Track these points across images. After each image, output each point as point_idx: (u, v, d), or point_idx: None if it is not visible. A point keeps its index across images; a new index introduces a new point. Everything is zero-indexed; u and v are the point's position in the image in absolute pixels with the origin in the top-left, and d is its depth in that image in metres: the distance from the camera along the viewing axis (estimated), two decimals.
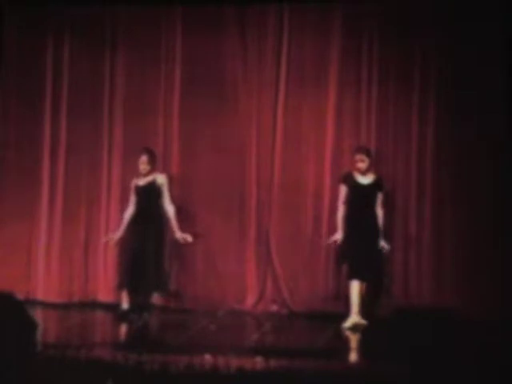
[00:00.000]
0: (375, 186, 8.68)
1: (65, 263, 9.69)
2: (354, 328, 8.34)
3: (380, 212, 8.66)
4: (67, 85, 9.77)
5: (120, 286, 8.98)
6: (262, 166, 9.53)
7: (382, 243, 8.58)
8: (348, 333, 8.30)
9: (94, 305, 9.49)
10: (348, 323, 8.41)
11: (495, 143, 9.02)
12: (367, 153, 8.70)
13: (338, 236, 8.66)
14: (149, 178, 9.00)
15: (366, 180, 8.67)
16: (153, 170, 9.04)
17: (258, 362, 6.40)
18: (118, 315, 8.83)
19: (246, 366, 6.21)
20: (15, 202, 9.69)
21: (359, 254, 8.49)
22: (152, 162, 9.03)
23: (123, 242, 9.14)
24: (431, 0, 9.27)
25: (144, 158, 8.98)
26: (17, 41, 9.81)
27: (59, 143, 9.77)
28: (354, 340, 8.07)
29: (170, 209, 8.96)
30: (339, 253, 8.86)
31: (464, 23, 9.11)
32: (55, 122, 9.77)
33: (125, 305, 8.90)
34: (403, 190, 9.27)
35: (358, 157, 8.65)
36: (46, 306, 9.41)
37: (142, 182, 9.03)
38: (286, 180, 9.45)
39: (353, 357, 7.31)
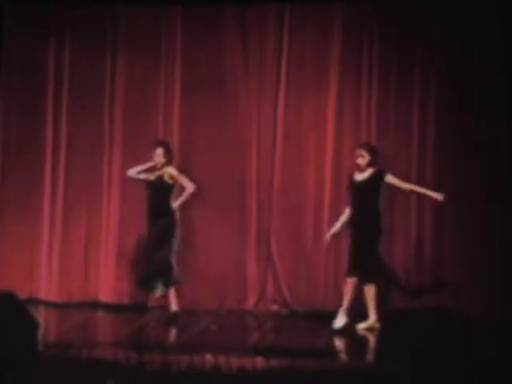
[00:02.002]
0: (371, 181, 8.36)
1: (66, 263, 9.71)
2: (369, 330, 8.29)
3: (408, 186, 8.38)
4: (68, 85, 9.77)
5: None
6: (262, 165, 9.54)
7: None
8: (348, 333, 8.30)
9: (96, 304, 9.50)
10: (364, 325, 8.33)
11: (495, 143, 9.04)
12: (368, 149, 8.45)
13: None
14: (158, 173, 8.72)
15: (361, 176, 8.42)
16: (167, 163, 8.71)
17: (259, 361, 6.41)
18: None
19: (246, 365, 6.22)
20: (17, 202, 9.70)
21: (356, 252, 8.34)
22: (167, 154, 8.75)
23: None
24: (431, 0, 9.28)
25: (159, 151, 8.72)
26: (17, 41, 9.81)
27: (60, 143, 9.77)
28: (354, 340, 8.07)
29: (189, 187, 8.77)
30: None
31: (464, 23, 9.12)
32: (56, 122, 9.78)
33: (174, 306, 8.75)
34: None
35: (358, 152, 8.42)
36: (48, 305, 9.43)
37: (152, 176, 8.79)
38: (287, 180, 9.47)
39: (353, 356, 7.31)
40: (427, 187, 9.10)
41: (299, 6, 9.49)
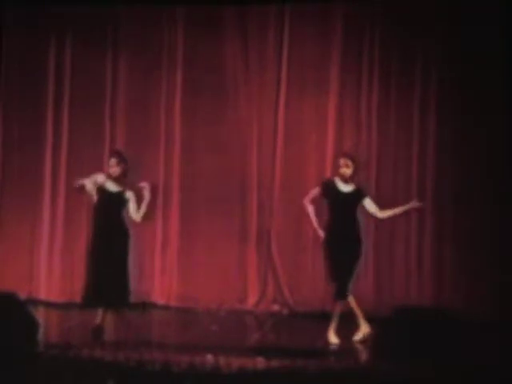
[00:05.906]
0: (356, 195, 7.79)
1: (67, 263, 9.73)
2: (365, 339, 7.82)
3: (380, 214, 7.81)
4: (69, 85, 9.80)
5: None
6: (263, 166, 9.55)
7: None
8: (348, 333, 8.28)
9: None
10: (359, 336, 7.89)
11: (495, 143, 9.04)
12: (352, 158, 7.83)
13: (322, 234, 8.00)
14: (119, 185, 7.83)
15: (347, 188, 7.80)
16: (121, 174, 7.82)
17: (259, 361, 6.41)
18: None
19: (247, 365, 6.22)
20: (18, 202, 9.73)
21: (343, 270, 7.72)
22: (121, 165, 7.82)
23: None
24: (431, 1, 9.29)
25: (113, 161, 7.84)
26: (18, 41, 9.83)
27: (61, 144, 9.79)
28: (354, 340, 8.06)
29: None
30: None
31: (464, 23, 9.13)
32: (57, 122, 9.80)
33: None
34: (404, 189, 9.28)
35: (343, 161, 7.77)
36: (48, 305, 9.44)
37: (111, 187, 7.83)
38: (287, 180, 9.48)
39: (353, 356, 7.31)
40: (428, 187, 9.16)
41: (299, 6, 9.51)
